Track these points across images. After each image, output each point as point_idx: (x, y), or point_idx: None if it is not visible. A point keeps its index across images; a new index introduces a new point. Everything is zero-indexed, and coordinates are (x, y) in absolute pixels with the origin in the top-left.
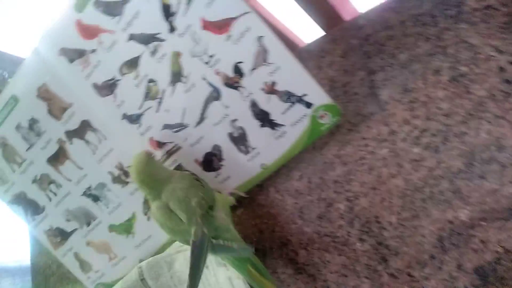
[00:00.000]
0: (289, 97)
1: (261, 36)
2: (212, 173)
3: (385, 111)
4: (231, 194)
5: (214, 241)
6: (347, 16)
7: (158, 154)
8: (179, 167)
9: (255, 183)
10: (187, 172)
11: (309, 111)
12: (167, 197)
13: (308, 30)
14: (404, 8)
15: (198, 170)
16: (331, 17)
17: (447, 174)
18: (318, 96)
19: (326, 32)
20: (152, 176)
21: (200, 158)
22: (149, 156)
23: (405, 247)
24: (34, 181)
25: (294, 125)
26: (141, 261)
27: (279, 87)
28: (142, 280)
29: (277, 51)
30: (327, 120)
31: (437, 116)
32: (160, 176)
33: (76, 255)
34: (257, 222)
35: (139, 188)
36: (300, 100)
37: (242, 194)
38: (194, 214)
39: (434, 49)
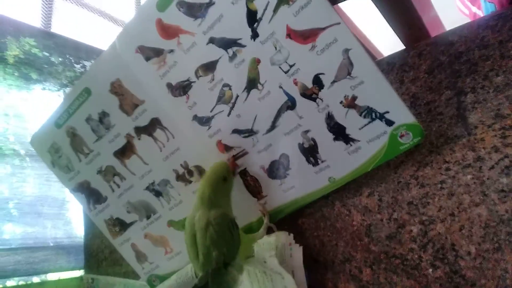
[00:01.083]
0: (370, 113)
1: (348, 49)
2: (277, 181)
3: (473, 136)
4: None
5: None
6: (432, 30)
7: (225, 157)
8: (244, 172)
9: (320, 195)
10: (229, 214)
11: (389, 129)
12: (198, 226)
13: (384, 42)
14: (505, 27)
15: (264, 177)
16: (416, 29)
17: None
18: (402, 114)
19: (406, 45)
20: (219, 189)
21: (266, 165)
22: (223, 176)
23: (484, 280)
24: (99, 172)
25: (371, 141)
26: None
27: (360, 102)
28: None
29: (363, 65)
30: (408, 140)
31: None
32: (215, 200)
33: (133, 246)
34: (319, 234)
35: (200, 187)
36: (381, 117)
37: (274, 228)
38: (209, 264)
39: None
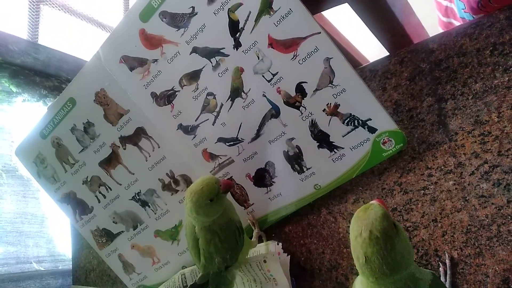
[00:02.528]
0: (352, 121)
1: (329, 58)
2: (263, 189)
3: (453, 142)
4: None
5: None
6: (415, 37)
7: (210, 165)
8: (230, 180)
9: (306, 203)
10: (236, 220)
11: (372, 136)
12: (201, 235)
13: (368, 47)
14: (482, 35)
15: (249, 185)
16: (399, 36)
17: None
18: (384, 121)
19: (389, 52)
20: (201, 213)
21: (252, 173)
22: (208, 199)
23: (465, 285)
24: (84, 182)
25: (354, 148)
26: (184, 267)
27: (342, 110)
28: (185, 287)
29: (345, 73)
30: (390, 147)
31: (511, 152)
32: (208, 218)
33: (120, 257)
34: (306, 242)
35: (186, 207)
36: (364, 124)
37: (264, 239)
38: (211, 267)
39: None
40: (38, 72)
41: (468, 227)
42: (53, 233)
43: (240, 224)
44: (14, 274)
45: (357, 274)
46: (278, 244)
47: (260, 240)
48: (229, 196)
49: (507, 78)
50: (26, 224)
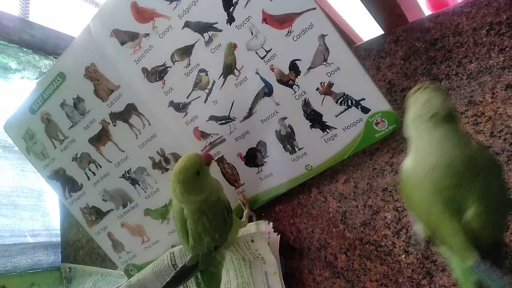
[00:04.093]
0: (346, 100)
1: (324, 35)
2: (254, 169)
3: None
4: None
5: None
6: (412, 17)
7: (202, 144)
8: (221, 159)
9: (297, 183)
10: (224, 199)
11: (365, 116)
12: (189, 216)
13: (363, 26)
14: (479, 14)
15: (241, 165)
16: (395, 16)
17: (509, 194)
18: (377, 101)
19: (385, 31)
20: (187, 192)
21: (244, 153)
22: (195, 171)
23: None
24: (74, 159)
25: (347, 129)
26: (173, 247)
27: (336, 89)
28: (174, 265)
29: (339, 51)
30: (383, 127)
31: (503, 133)
32: (195, 197)
33: (110, 235)
34: (296, 221)
35: (174, 192)
36: (357, 104)
37: (254, 218)
38: (200, 248)
39: (509, 62)
40: (36, 50)
41: None
42: (49, 207)
43: (228, 203)
44: (6, 249)
45: (345, 253)
46: (268, 223)
47: (250, 220)
48: (219, 175)
49: (502, 59)
50: (22, 198)
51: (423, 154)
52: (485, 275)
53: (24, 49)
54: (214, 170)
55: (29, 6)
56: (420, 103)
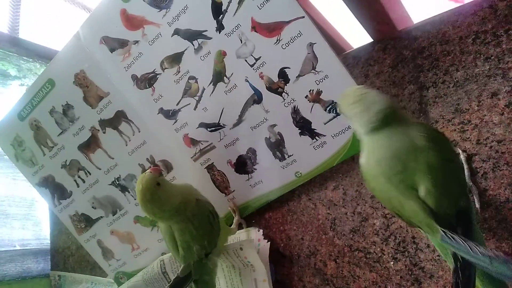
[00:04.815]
0: (334, 108)
1: (312, 43)
2: (244, 176)
3: None
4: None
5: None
6: (400, 25)
7: (191, 151)
8: (211, 166)
9: (287, 190)
10: (204, 201)
11: None
12: (175, 228)
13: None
14: (465, 23)
15: (231, 172)
16: (384, 24)
17: (494, 203)
18: None
19: (374, 39)
20: (160, 206)
21: (234, 160)
22: (155, 184)
23: (441, 271)
24: (63, 166)
25: (336, 136)
26: (163, 254)
27: (325, 97)
28: (164, 273)
29: (328, 59)
30: None
31: (489, 141)
32: (169, 206)
33: (99, 242)
34: (286, 228)
35: (149, 213)
36: None
37: (243, 226)
38: (190, 257)
39: (494, 71)
40: (37, 59)
41: None
42: (41, 216)
43: (212, 207)
44: None
45: (335, 260)
46: (258, 230)
47: (240, 227)
48: (209, 182)
49: (488, 67)
50: (14, 207)
51: (370, 151)
52: (453, 244)
53: (25, 58)
54: (205, 177)
55: (19, 21)
56: (357, 113)
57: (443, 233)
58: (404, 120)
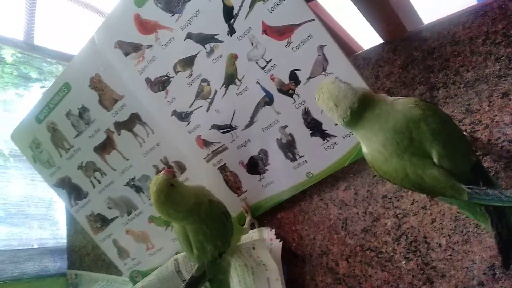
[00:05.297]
0: None
1: (322, 45)
2: (256, 176)
3: None
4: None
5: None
6: (410, 26)
7: (204, 152)
8: (223, 167)
9: (298, 190)
10: (217, 201)
11: None
12: (189, 228)
13: (362, 35)
14: (475, 24)
15: (243, 172)
16: (393, 25)
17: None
18: None
19: (384, 40)
20: (173, 207)
21: (246, 161)
22: (169, 185)
23: (453, 271)
24: (79, 167)
25: (347, 137)
26: (177, 253)
27: None
28: (178, 271)
29: (338, 61)
30: None
31: (500, 141)
32: (183, 207)
33: (115, 242)
34: (297, 228)
35: (164, 214)
36: None
37: (256, 225)
38: (204, 257)
39: (504, 71)
40: (59, 61)
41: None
42: (59, 216)
43: (225, 207)
44: (14, 255)
45: (347, 260)
46: (271, 230)
47: (252, 227)
48: (221, 182)
49: (498, 67)
50: (33, 207)
51: (369, 140)
52: (483, 198)
53: (48, 60)
54: (217, 178)
55: (34, 27)
56: (331, 108)
57: (469, 190)
58: (384, 101)
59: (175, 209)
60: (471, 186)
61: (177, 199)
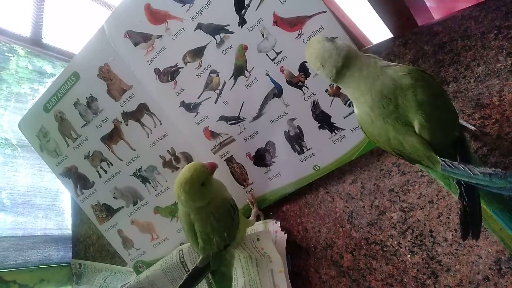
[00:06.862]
0: None
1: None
2: (263, 169)
3: None
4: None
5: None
6: (421, 20)
7: (212, 143)
8: (230, 159)
9: (305, 183)
10: (228, 197)
11: None
12: (195, 219)
13: (372, 28)
14: (488, 18)
15: (250, 164)
16: (404, 19)
17: None
18: None
19: (394, 34)
20: (193, 199)
21: (253, 153)
22: (202, 181)
23: (458, 265)
24: (86, 157)
25: (355, 130)
26: (181, 244)
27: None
28: (182, 262)
29: None
30: None
31: (510, 136)
32: (200, 203)
33: (120, 232)
34: (303, 220)
35: (179, 198)
36: None
37: (261, 218)
38: (210, 248)
39: None
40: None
41: None
42: (65, 207)
43: (233, 201)
44: (18, 242)
45: (351, 253)
46: (276, 222)
47: (258, 219)
48: (228, 174)
49: (510, 62)
50: (39, 197)
51: (357, 100)
52: (453, 171)
53: (62, 56)
54: (224, 169)
55: (42, 23)
56: (318, 67)
57: (443, 163)
58: (374, 63)
59: (192, 200)
60: (445, 160)
61: (199, 193)
